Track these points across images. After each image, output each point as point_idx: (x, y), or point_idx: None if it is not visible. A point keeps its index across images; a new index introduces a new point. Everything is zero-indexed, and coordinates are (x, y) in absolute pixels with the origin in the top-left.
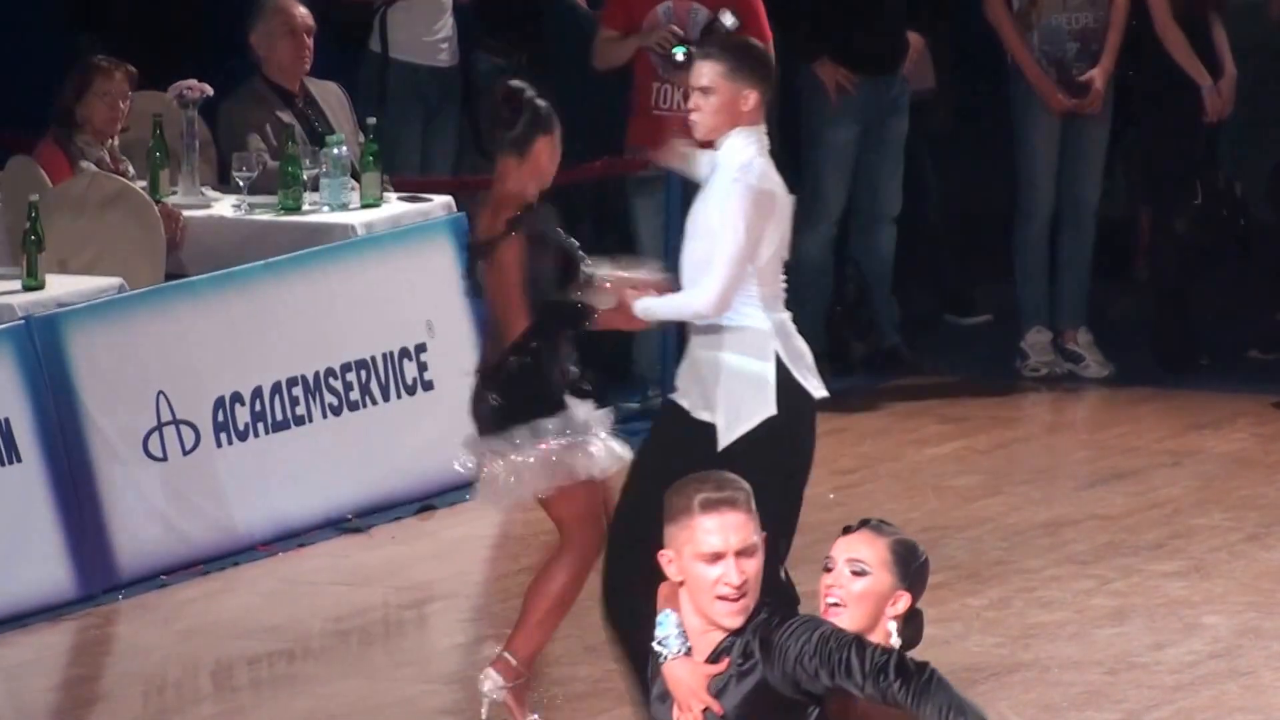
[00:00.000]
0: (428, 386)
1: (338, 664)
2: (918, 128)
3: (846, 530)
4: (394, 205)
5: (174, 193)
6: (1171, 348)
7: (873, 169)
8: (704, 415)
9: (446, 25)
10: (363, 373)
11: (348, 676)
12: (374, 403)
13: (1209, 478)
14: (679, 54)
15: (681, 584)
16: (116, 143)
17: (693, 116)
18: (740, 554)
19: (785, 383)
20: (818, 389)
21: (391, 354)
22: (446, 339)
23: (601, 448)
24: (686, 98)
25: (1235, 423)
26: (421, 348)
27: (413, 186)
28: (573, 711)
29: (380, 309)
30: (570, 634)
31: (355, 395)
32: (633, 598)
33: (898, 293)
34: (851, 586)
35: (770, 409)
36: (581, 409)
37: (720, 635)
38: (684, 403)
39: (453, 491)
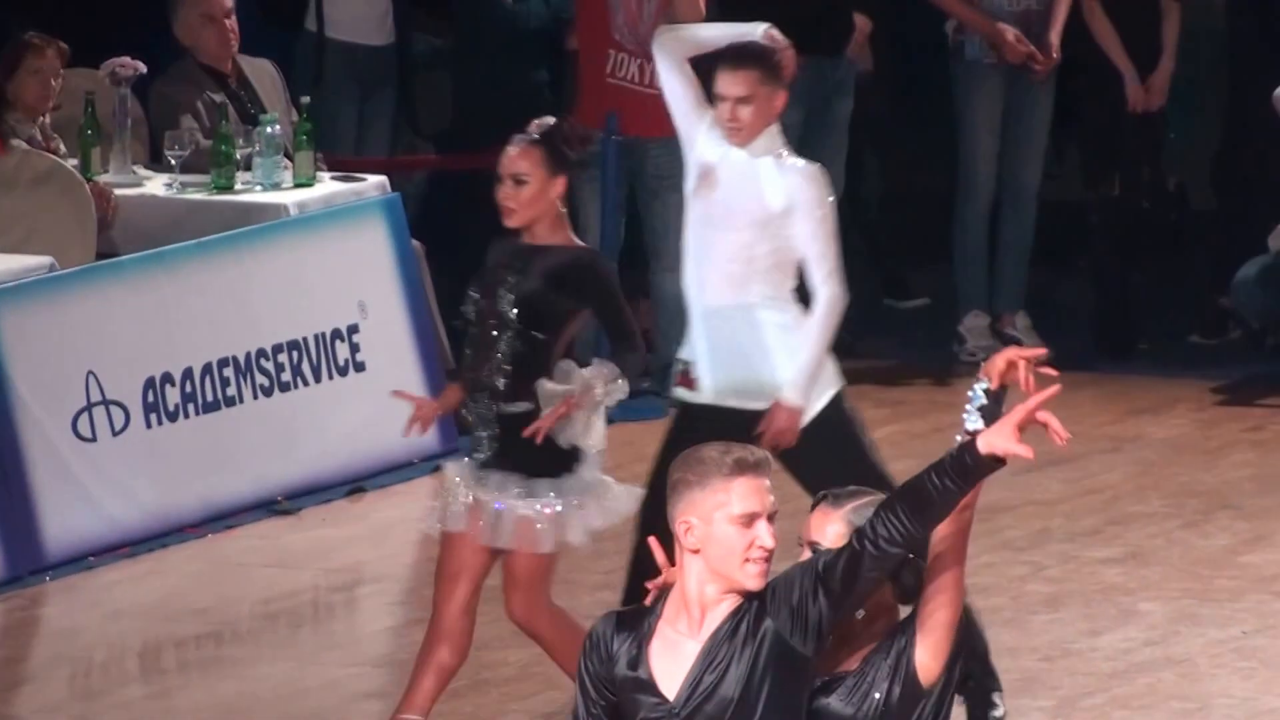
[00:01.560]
0: (359, 368)
1: (266, 646)
2: (855, 110)
3: (815, 504)
4: (327, 185)
5: (106, 171)
6: (1111, 332)
7: (815, 151)
8: (759, 405)
9: (382, 4)
10: (294, 353)
11: (276, 659)
12: (305, 384)
13: (1147, 464)
14: None
15: (696, 552)
16: (48, 120)
17: (732, 126)
18: (770, 517)
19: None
20: None
21: (323, 335)
22: (379, 320)
23: None
24: (642, 71)
25: (1174, 408)
26: (354, 328)
27: (347, 166)
28: (501, 696)
29: (312, 289)
30: (499, 618)
31: (286, 376)
32: None
33: None
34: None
35: (836, 382)
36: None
37: (724, 610)
38: (728, 403)
39: (383, 474)
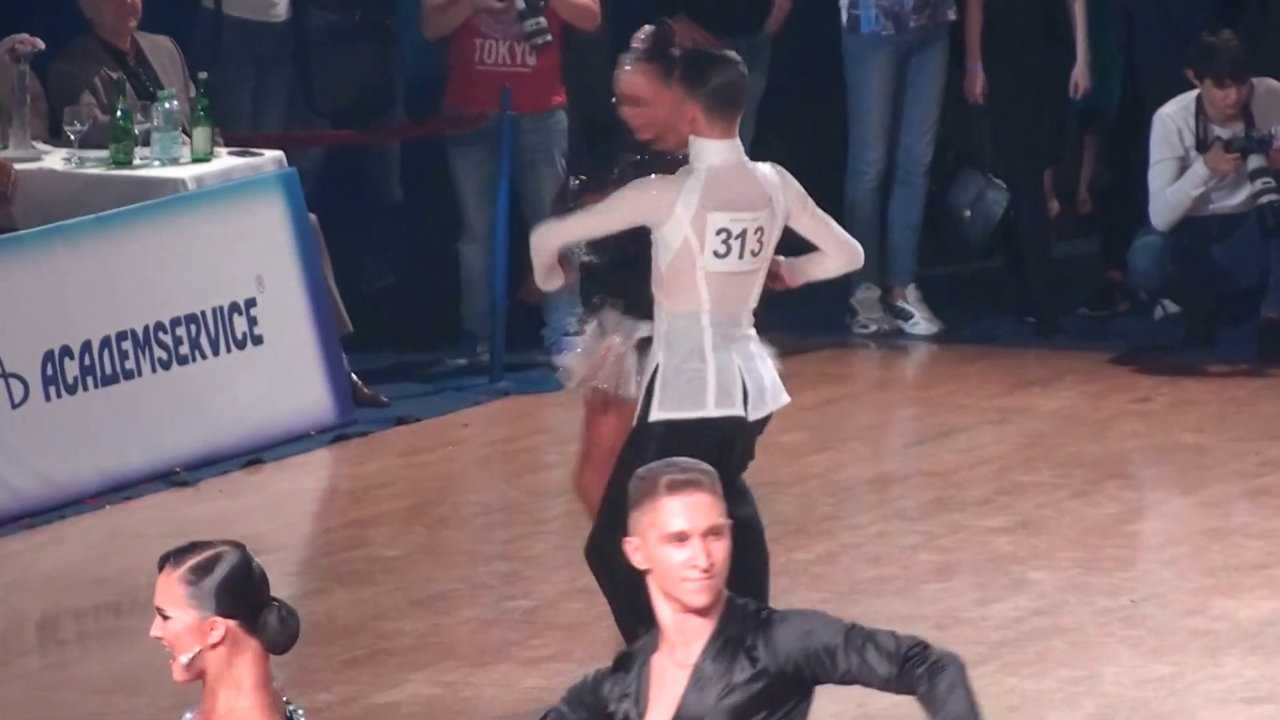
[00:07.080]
0: (257, 341)
1: None
2: None
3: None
4: (225, 160)
5: (5, 146)
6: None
7: None
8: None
9: None
10: (192, 327)
11: None
12: (203, 357)
13: (1036, 435)
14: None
15: (648, 572)
16: None
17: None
18: (706, 534)
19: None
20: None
21: (221, 308)
22: (276, 293)
23: None
24: (512, 53)
25: (1063, 380)
26: (251, 302)
27: (244, 141)
28: (398, 664)
29: (210, 263)
30: (396, 588)
31: (185, 349)
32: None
33: None
34: (164, 630)
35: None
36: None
37: (697, 627)
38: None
39: (281, 446)
